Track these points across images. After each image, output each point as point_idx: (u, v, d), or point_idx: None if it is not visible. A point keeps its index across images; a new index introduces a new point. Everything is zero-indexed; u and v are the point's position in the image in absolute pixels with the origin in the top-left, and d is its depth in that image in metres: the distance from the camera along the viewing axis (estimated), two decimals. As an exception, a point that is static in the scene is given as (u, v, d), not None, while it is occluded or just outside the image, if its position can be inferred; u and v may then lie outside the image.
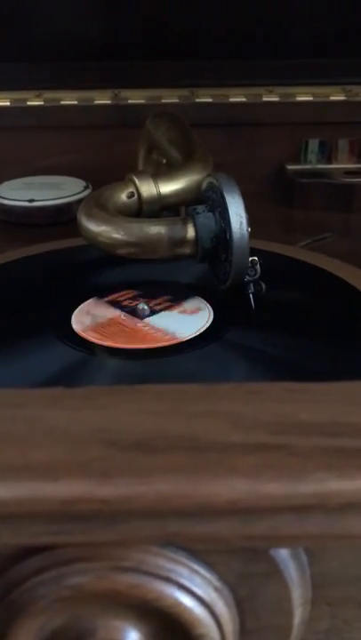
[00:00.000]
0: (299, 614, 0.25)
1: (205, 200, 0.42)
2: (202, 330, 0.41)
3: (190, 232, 0.40)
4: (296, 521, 0.21)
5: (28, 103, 0.72)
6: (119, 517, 0.20)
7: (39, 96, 0.72)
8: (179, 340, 0.40)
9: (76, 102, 0.72)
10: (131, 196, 0.45)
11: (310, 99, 0.74)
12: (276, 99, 0.74)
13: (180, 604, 0.23)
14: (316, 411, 0.23)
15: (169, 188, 0.46)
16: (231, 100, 0.73)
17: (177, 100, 0.73)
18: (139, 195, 0.45)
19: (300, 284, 0.49)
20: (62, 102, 0.72)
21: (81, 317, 0.42)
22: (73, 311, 0.43)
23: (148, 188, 0.45)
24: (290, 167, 0.73)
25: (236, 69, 0.74)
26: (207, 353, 0.40)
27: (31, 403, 0.23)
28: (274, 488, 0.20)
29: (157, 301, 0.44)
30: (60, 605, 0.23)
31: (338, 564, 0.25)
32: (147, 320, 0.42)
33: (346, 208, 0.68)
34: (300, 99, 0.74)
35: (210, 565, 0.23)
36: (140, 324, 0.41)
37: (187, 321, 0.42)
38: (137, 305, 0.43)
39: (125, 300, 0.44)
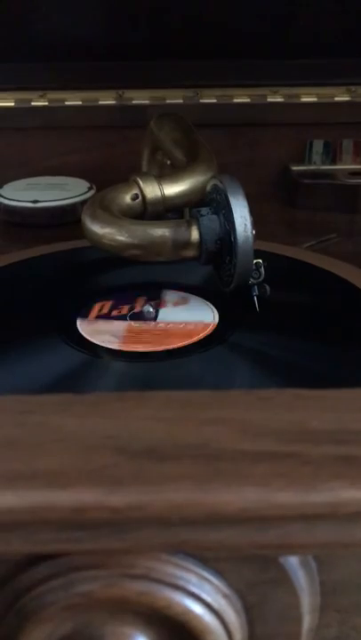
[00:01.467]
0: (308, 621, 0.25)
1: (210, 202, 0.42)
2: (215, 314, 0.42)
3: (194, 234, 0.40)
4: (307, 529, 0.20)
5: (33, 104, 0.72)
6: (129, 525, 0.20)
7: (43, 96, 0.72)
8: (213, 326, 0.41)
9: (80, 103, 0.72)
10: (135, 197, 0.45)
11: (315, 99, 0.74)
12: (280, 99, 0.74)
13: (189, 611, 0.23)
14: (327, 418, 0.23)
15: (173, 189, 0.46)
16: (235, 100, 0.73)
17: (181, 101, 0.73)
18: (143, 196, 0.45)
19: (305, 285, 0.48)
20: (66, 103, 0.72)
21: (102, 337, 0.41)
22: (78, 313, 0.43)
23: (152, 190, 0.45)
24: (294, 168, 0.73)
25: (241, 70, 0.74)
26: (212, 356, 0.39)
27: (40, 409, 0.23)
28: (285, 497, 0.20)
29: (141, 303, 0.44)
30: (69, 612, 0.23)
31: (347, 571, 0.25)
32: (159, 319, 0.42)
33: (350, 209, 0.68)
34: (304, 99, 0.74)
35: (219, 573, 0.23)
36: (160, 324, 0.42)
37: (190, 310, 0.43)
38: (143, 308, 0.43)
39: (112, 310, 0.44)
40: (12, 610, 0.23)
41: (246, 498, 0.20)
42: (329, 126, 0.73)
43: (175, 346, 0.40)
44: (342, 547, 0.22)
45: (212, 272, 0.44)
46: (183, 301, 0.44)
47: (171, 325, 0.41)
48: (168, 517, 0.20)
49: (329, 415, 0.23)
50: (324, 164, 0.74)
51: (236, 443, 0.21)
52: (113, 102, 0.73)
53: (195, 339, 0.40)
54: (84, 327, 0.42)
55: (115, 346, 0.40)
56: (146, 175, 0.47)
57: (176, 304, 0.44)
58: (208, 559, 0.23)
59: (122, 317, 0.43)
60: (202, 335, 0.40)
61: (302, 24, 0.74)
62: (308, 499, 0.20)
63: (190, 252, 0.41)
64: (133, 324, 0.42)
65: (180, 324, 0.41)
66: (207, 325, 0.41)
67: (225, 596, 0.23)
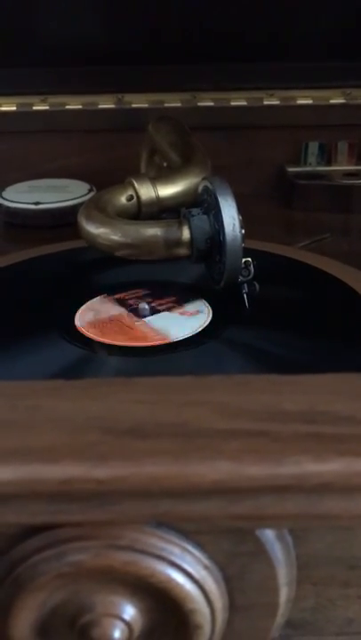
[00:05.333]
0: (285, 593, 0.27)
1: (201, 203, 0.43)
2: (195, 332, 0.42)
3: (185, 234, 0.42)
4: (277, 501, 0.22)
5: (34, 108, 0.73)
6: (113, 497, 0.22)
7: (44, 101, 0.74)
8: (169, 341, 0.41)
9: (80, 106, 0.74)
10: (130, 198, 0.47)
11: (310, 102, 0.75)
12: (276, 102, 0.75)
13: (171, 580, 0.24)
14: (298, 400, 0.24)
15: (167, 190, 0.47)
16: (232, 103, 0.75)
17: (179, 104, 0.74)
18: (138, 197, 0.47)
19: (297, 283, 0.50)
20: (67, 107, 0.74)
21: (86, 313, 0.44)
22: (76, 310, 0.45)
23: (146, 191, 0.47)
24: (290, 169, 0.74)
25: (238, 73, 0.75)
26: (205, 350, 0.41)
27: (33, 393, 0.25)
28: (255, 470, 0.21)
29: (162, 301, 0.45)
30: (61, 581, 0.25)
31: (321, 545, 0.27)
32: (146, 319, 0.43)
33: (345, 209, 0.69)
34: (300, 102, 0.75)
35: (200, 545, 0.25)
36: (137, 323, 0.43)
37: (183, 322, 0.43)
38: (139, 305, 0.44)
39: (132, 298, 0.46)
40: (8, 579, 0.25)
41: (219, 470, 0.21)
42: (324, 128, 0.74)
43: (120, 343, 0.41)
44: (311, 518, 0.23)
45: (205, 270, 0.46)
46: (192, 313, 0.44)
47: (145, 327, 0.43)
48: (148, 489, 0.22)
49: (300, 398, 0.24)
50: (319, 165, 0.75)
51: (213, 422, 0.23)
52: (112, 106, 0.74)
53: (142, 343, 0.41)
54: (96, 303, 0.45)
55: (79, 323, 0.43)
56: (141, 177, 0.48)
57: (182, 313, 0.44)
58: (189, 532, 0.25)
59: (127, 306, 0.45)
60: (152, 343, 0.41)
61: (298, 28, 0.75)
62: (276, 471, 0.21)
63: (182, 251, 0.43)
64: (125, 314, 0.44)
65: (156, 330, 0.43)
66: (167, 339, 0.42)
67: (205, 567, 0.25)
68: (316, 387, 0.25)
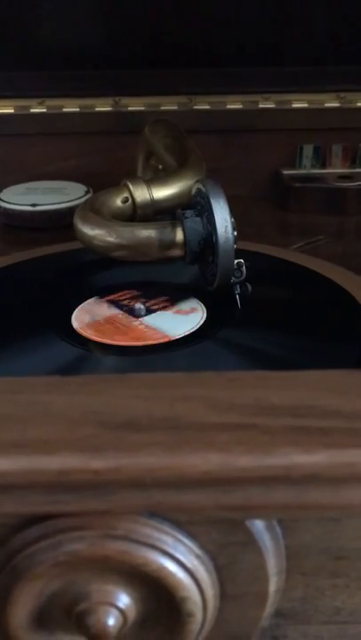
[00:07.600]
0: (274, 582, 0.28)
1: (194, 205, 0.44)
2: (193, 329, 0.43)
3: (179, 235, 0.43)
4: (266, 492, 0.23)
5: (31, 110, 0.74)
6: (108, 487, 0.23)
7: (42, 103, 0.74)
8: (170, 339, 0.42)
9: (77, 109, 0.74)
10: (125, 200, 0.48)
11: (305, 105, 0.76)
12: (271, 105, 0.76)
13: (164, 568, 0.25)
14: (287, 395, 0.25)
15: (162, 193, 0.48)
16: (228, 106, 0.75)
17: (175, 107, 0.75)
18: (133, 200, 0.48)
19: (290, 284, 0.51)
20: (64, 109, 0.74)
21: (81, 316, 0.45)
22: (73, 311, 0.46)
23: (141, 194, 0.48)
24: (285, 172, 0.75)
25: (233, 77, 0.76)
26: (199, 349, 0.42)
27: (30, 389, 0.26)
28: (244, 461, 0.22)
29: (155, 301, 0.46)
30: (58, 570, 0.25)
31: (310, 536, 0.28)
32: (142, 319, 0.44)
33: (339, 211, 0.70)
34: (295, 105, 0.76)
35: (192, 535, 0.26)
36: (135, 323, 0.44)
37: (180, 321, 0.44)
38: (135, 305, 0.45)
39: (125, 299, 0.47)
40: (6, 568, 0.25)
41: (210, 461, 0.22)
42: (319, 131, 0.75)
43: (120, 343, 0.42)
44: (299, 509, 0.24)
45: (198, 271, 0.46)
46: (188, 311, 0.45)
47: (143, 326, 0.43)
48: (142, 479, 0.22)
49: (288, 393, 0.25)
50: (314, 168, 0.76)
51: (204, 416, 0.24)
52: (109, 109, 0.75)
53: (142, 342, 0.42)
54: (90, 305, 0.46)
55: (76, 325, 0.43)
56: (136, 179, 0.49)
57: (177, 312, 0.45)
58: (182, 522, 0.25)
59: (120, 307, 0.46)
60: (152, 342, 0.42)
61: (293, 33, 0.76)
62: (265, 463, 0.22)
63: (175, 253, 0.43)
64: (120, 315, 0.45)
65: (154, 329, 0.43)
66: (167, 337, 0.42)
67: (197, 556, 0.26)
68: (304, 382, 0.26)
